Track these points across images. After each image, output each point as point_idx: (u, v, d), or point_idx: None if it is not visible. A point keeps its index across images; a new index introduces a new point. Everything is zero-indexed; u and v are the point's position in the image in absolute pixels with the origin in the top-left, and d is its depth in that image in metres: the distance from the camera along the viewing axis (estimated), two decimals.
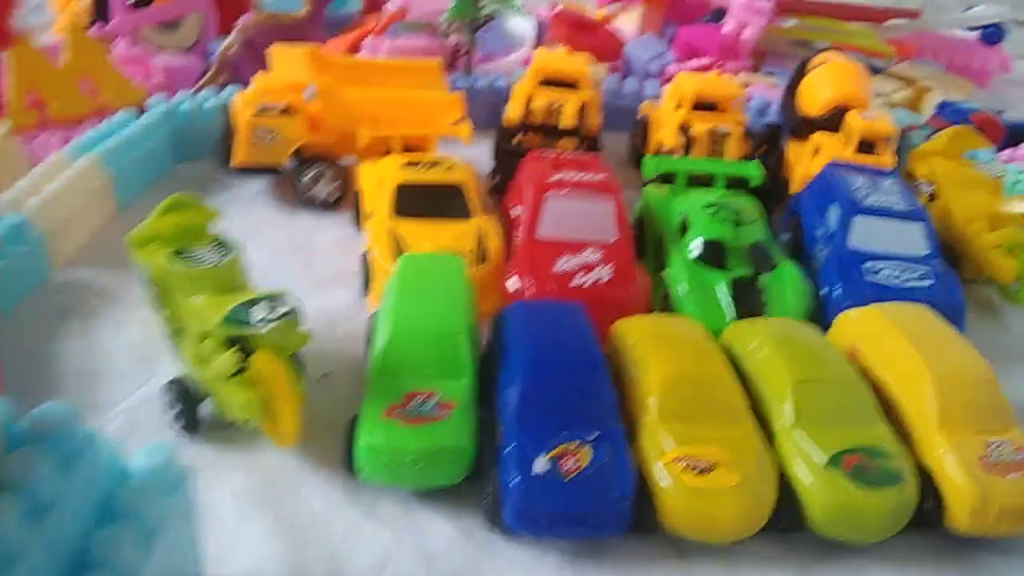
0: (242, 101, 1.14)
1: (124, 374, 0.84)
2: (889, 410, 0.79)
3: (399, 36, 1.50)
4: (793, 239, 1.15)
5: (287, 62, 1.17)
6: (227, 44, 1.33)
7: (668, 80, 1.46)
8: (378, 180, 1.06)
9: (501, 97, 1.37)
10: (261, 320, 0.69)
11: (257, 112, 1.11)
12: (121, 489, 0.53)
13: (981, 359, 0.81)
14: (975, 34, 1.95)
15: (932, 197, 1.19)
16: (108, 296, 0.95)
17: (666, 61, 1.61)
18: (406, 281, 0.83)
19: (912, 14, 1.84)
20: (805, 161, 1.24)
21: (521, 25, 1.70)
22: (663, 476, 0.69)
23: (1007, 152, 1.39)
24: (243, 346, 0.72)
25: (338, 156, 1.16)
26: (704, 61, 1.63)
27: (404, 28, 1.50)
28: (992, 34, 1.93)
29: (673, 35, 1.70)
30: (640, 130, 1.37)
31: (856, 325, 0.88)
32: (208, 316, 0.72)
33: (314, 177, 1.14)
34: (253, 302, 0.71)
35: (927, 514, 0.73)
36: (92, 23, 1.44)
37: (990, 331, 1.07)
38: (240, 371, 0.71)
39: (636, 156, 1.36)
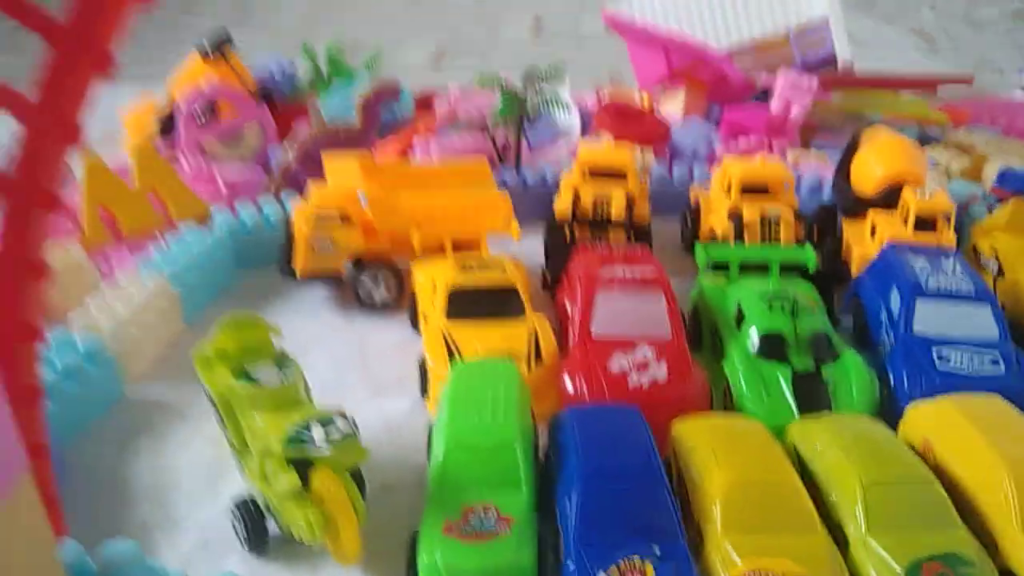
0: (300, 212, 1.18)
1: (193, 491, 0.87)
2: (966, 509, 0.76)
3: (449, 136, 1.54)
4: (856, 324, 1.13)
5: (341, 171, 1.21)
6: (286, 157, 1.39)
7: (716, 163, 1.47)
8: (432, 282, 1.08)
9: (551, 190, 1.39)
10: (323, 442, 0.70)
11: (315, 223, 1.15)
12: None
13: None
14: None
15: (999, 273, 1.15)
16: (177, 413, 0.98)
17: (713, 143, 1.63)
18: (459, 392, 0.83)
19: (965, 80, 1.82)
20: (863, 242, 1.22)
21: (566, 115, 1.74)
22: None
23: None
24: (303, 463, 0.73)
25: (394, 259, 1.19)
26: (752, 141, 1.64)
27: (454, 128, 1.55)
28: None
29: (719, 116, 1.71)
30: (691, 215, 1.38)
31: (928, 419, 0.85)
32: (270, 436, 0.74)
33: (372, 281, 1.17)
34: (314, 422, 0.72)
35: None
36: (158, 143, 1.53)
37: None
38: (302, 489, 0.72)
39: (688, 242, 1.37)
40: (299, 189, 1.36)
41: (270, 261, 1.24)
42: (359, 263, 1.18)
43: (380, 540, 0.78)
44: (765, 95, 1.72)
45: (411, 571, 0.72)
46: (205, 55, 1.64)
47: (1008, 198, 1.43)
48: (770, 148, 1.60)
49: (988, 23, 3.31)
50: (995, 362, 0.95)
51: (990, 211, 1.31)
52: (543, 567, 0.71)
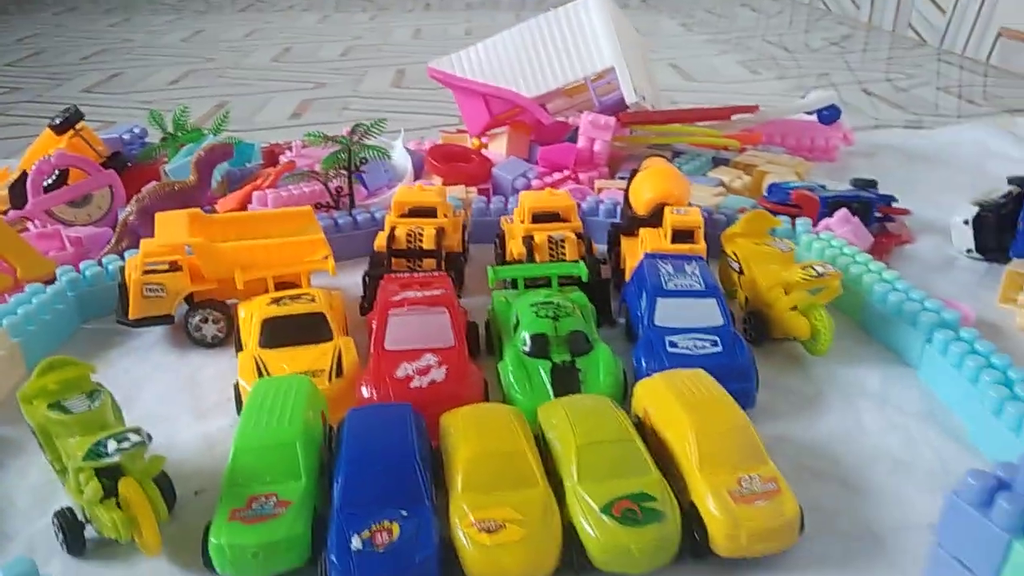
0: (131, 263, 1.31)
1: (25, 510, 0.98)
2: (667, 459, 0.94)
3: (287, 187, 1.70)
4: (626, 322, 1.32)
5: (170, 225, 1.35)
6: (126, 213, 1.52)
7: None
8: (251, 315, 1.23)
9: (379, 227, 1.56)
10: (115, 451, 0.84)
11: (144, 271, 1.29)
12: None
13: (738, 410, 0.97)
14: (814, 117, 2.20)
15: (740, 272, 1.37)
16: (18, 447, 1.08)
17: (528, 179, 1.83)
18: (254, 402, 0.98)
19: (750, 109, 2.08)
20: (635, 254, 1.43)
21: (401, 160, 1.92)
22: (463, 538, 0.83)
23: (823, 222, 1.59)
24: (111, 476, 0.87)
25: (223, 299, 1.33)
26: (566, 173, 1.85)
27: (290, 179, 1.70)
28: (828, 115, 2.18)
29: (537, 159, 1.92)
30: (499, 241, 1.56)
31: (646, 392, 1.04)
32: (77, 454, 0.87)
33: (202, 319, 1.31)
34: (110, 437, 0.85)
35: (696, 546, 0.87)
36: (6, 211, 1.63)
37: (795, 380, 1.23)
38: (107, 497, 0.85)
39: (499, 262, 1.55)
40: (138, 243, 1.49)
41: (110, 311, 1.36)
42: (191, 304, 1.31)
43: (192, 534, 0.91)
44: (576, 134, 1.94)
45: (204, 555, 0.86)
46: (55, 129, 1.76)
47: (776, 208, 1.68)
48: (576, 179, 1.81)
49: (815, 49, 3.67)
50: (714, 344, 1.15)
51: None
52: (318, 541, 0.86)
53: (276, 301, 1.22)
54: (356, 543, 0.82)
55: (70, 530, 0.90)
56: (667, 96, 2.77)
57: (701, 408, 0.96)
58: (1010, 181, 1.68)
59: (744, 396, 1.10)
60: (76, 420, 0.90)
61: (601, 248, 1.60)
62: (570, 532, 0.86)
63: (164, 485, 0.94)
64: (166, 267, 1.30)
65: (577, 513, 0.87)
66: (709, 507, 0.87)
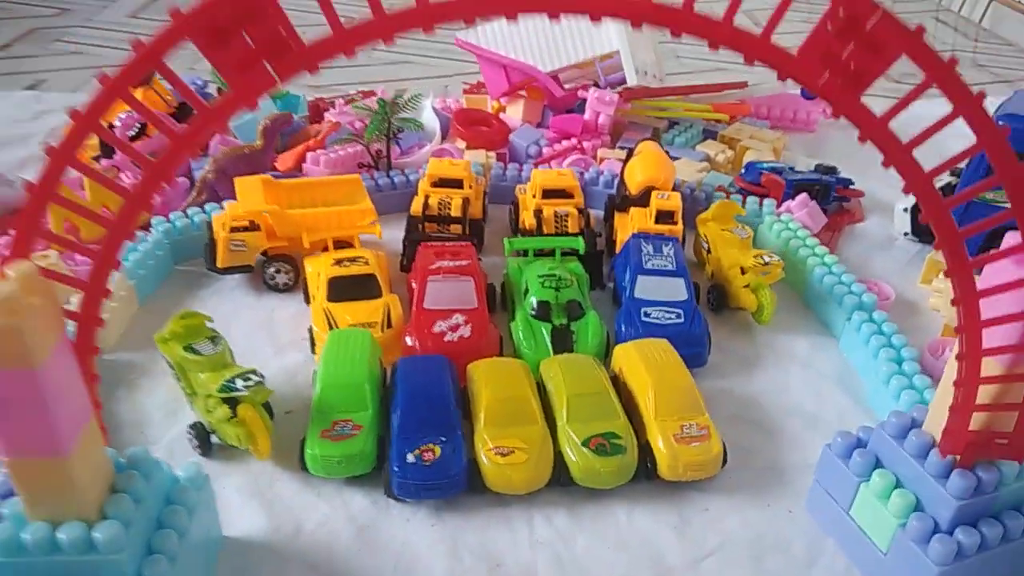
0: (218, 220, 1.63)
1: (160, 421, 1.33)
2: (633, 408, 1.29)
3: (335, 148, 1.99)
4: (614, 290, 1.65)
5: (248, 190, 1.66)
6: (205, 171, 1.82)
7: (541, 161, 1.96)
8: (317, 272, 1.55)
9: (412, 188, 1.87)
10: (242, 387, 1.18)
11: (230, 229, 1.60)
12: (174, 488, 1.02)
13: (687, 373, 1.31)
14: (797, 91, 2.47)
15: (708, 251, 1.69)
16: (142, 370, 1.43)
17: (540, 146, 2.11)
18: (331, 350, 1.32)
19: (740, 85, 2.34)
20: (625, 229, 1.74)
21: (430, 122, 2.20)
22: (484, 459, 1.19)
23: (785, 204, 1.89)
24: (233, 402, 1.21)
25: (291, 254, 1.65)
26: (573, 141, 2.14)
27: (337, 141, 1.99)
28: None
29: (549, 124, 2.19)
30: (514, 209, 1.87)
31: (621, 355, 1.38)
32: (210, 386, 1.21)
33: (275, 270, 1.63)
34: (237, 376, 1.19)
35: (648, 471, 1.23)
36: (98, 158, 1.93)
37: (742, 344, 1.57)
38: (232, 417, 1.20)
39: (513, 227, 1.87)
40: (215, 197, 1.80)
41: (197, 256, 1.68)
42: (266, 257, 1.64)
43: (284, 444, 1.26)
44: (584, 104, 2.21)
45: (301, 460, 1.21)
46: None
47: (748, 187, 1.98)
48: (581, 148, 2.10)
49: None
50: (678, 316, 1.48)
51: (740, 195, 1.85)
52: (382, 453, 1.21)
53: (338, 263, 1.54)
54: (410, 458, 1.17)
55: (202, 439, 1.25)
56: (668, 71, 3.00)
57: (659, 371, 1.30)
58: (952, 172, 1.98)
59: (697, 358, 1.45)
60: (206, 360, 1.24)
61: (598, 215, 1.91)
62: (559, 457, 1.22)
63: (267, 408, 1.29)
64: (247, 226, 1.61)
65: (564, 444, 1.22)
66: (659, 445, 1.22)
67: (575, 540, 1.15)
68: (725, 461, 1.25)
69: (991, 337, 0.92)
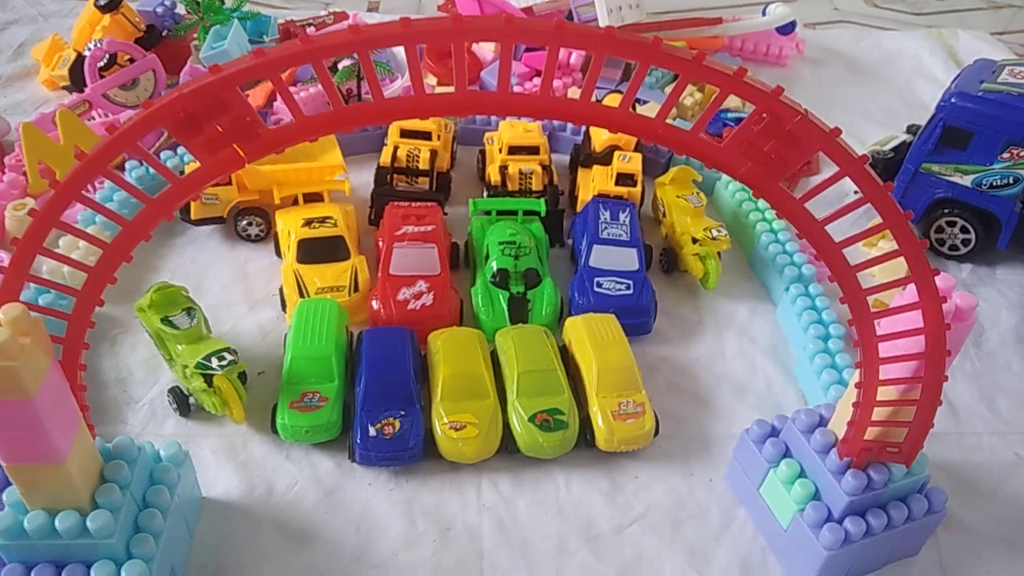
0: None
1: (142, 379, 1.44)
2: (580, 383, 1.41)
3: (304, 87, 2.00)
4: (572, 250, 1.74)
5: None
6: None
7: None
8: (288, 230, 1.62)
9: (382, 131, 1.91)
10: (217, 367, 1.28)
11: None
12: (156, 467, 1.14)
13: (628, 352, 1.42)
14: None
15: (664, 215, 1.77)
16: (122, 325, 1.52)
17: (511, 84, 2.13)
18: (300, 320, 1.41)
19: (714, 21, 2.33)
20: (587, 187, 1.81)
21: (401, 55, 2.19)
22: (439, 431, 1.31)
23: None
24: (209, 375, 1.32)
25: (263, 207, 1.71)
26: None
27: (308, 81, 2.00)
28: (783, 28, 2.44)
29: (521, 58, 2.20)
30: (481, 158, 1.92)
31: (571, 328, 1.49)
32: (187, 358, 1.31)
33: (247, 223, 1.70)
34: (212, 355, 1.29)
35: (587, 441, 1.36)
36: (69, 89, 1.93)
37: (686, 309, 1.67)
38: (208, 388, 1.31)
39: (480, 175, 1.92)
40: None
41: None
42: (239, 210, 1.70)
43: (257, 405, 1.38)
44: None
45: (272, 425, 1.33)
46: (102, 9, 2.00)
47: (710, 139, 2.02)
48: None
49: None
50: (628, 287, 1.58)
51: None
52: (347, 420, 1.34)
53: (308, 223, 1.60)
54: (372, 431, 1.30)
55: (180, 402, 1.37)
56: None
57: (603, 349, 1.41)
58: (907, 130, 2.04)
59: (642, 327, 1.56)
60: (182, 333, 1.33)
61: (563, 160, 1.97)
62: (507, 429, 1.35)
63: (242, 375, 1.39)
64: (219, 181, 1.66)
65: (512, 419, 1.35)
66: (597, 420, 1.35)
67: (517, 505, 1.30)
68: (657, 432, 1.38)
69: (887, 370, 1.03)
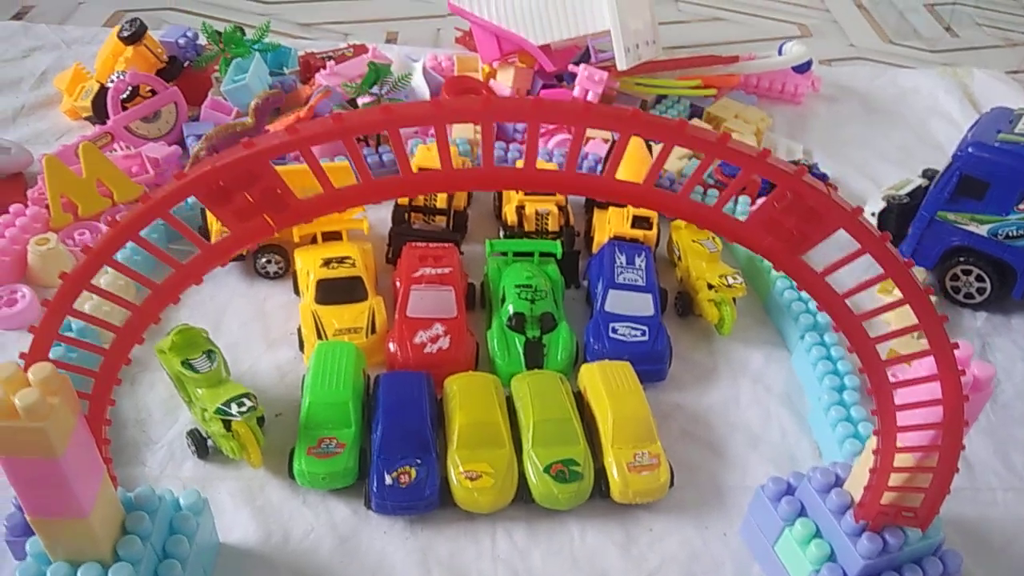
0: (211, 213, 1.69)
1: (161, 419, 1.45)
2: (595, 432, 1.42)
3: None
4: (588, 292, 1.75)
5: None
6: (196, 150, 1.85)
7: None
8: (307, 269, 1.64)
9: None
10: (236, 413, 1.29)
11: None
12: (177, 514, 1.15)
13: (644, 402, 1.43)
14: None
15: (679, 258, 1.78)
16: (142, 365, 1.54)
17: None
18: (318, 364, 1.43)
19: (730, 60, 2.34)
20: (603, 228, 1.82)
21: (420, 86, 2.21)
22: (455, 481, 1.32)
23: (758, 201, 1.96)
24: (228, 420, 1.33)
25: (283, 245, 1.72)
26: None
27: (328, 106, 2.02)
28: (799, 67, 2.45)
29: (537, 93, 2.21)
30: (497, 197, 1.94)
31: (586, 375, 1.49)
32: (207, 403, 1.32)
33: (267, 260, 1.71)
34: (232, 401, 1.31)
35: (602, 492, 1.37)
36: (92, 120, 1.96)
37: (703, 353, 1.68)
38: (227, 432, 1.32)
39: (497, 213, 1.94)
40: None
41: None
42: (258, 247, 1.72)
43: (275, 447, 1.39)
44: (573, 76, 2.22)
45: (290, 470, 1.34)
46: (125, 40, 2.03)
47: (726, 180, 2.03)
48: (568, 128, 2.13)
49: None
50: (643, 333, 1.58)
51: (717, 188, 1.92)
52: (364, 465, 1.35)
53: (326, 263, 1.62)
54: (388, 480, 1.30)
55: (198, 444, 1.38)
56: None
57: (619, 398, 1.42)
58: (923, 174, 2.05)
59: (657, 374, 1.57)
60: (202, 377, 1.35)
61: (579, 201, 1.98)
62: (522, 478, 1.35)
63: (260, 418, 1.40)
64: None
65: (528, 468, 1.35)
66: (612, 472, 1.36)
67: (531, 555, 1.30)
68: (672, 484, 1.39)
69: (904, 438, 1.04)
